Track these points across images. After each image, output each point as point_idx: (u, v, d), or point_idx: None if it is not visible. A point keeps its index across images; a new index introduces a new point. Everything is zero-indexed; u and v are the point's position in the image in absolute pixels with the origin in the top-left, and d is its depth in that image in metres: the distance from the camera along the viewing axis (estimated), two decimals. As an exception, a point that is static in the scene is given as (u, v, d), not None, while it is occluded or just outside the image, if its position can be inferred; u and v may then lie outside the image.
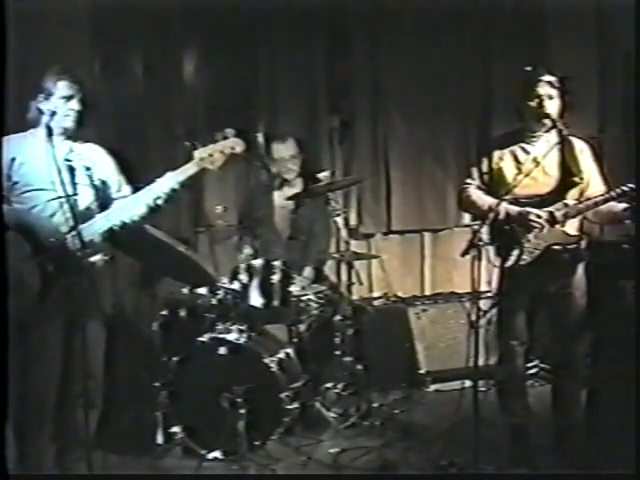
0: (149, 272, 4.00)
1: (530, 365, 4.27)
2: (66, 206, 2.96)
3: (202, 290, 3.90)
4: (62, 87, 3.04)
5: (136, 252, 3.36)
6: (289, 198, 4.33)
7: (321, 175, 4.34)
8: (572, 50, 4.89)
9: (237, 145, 3.09)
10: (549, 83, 3.24)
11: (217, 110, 4.83)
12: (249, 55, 4.90)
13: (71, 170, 2.99)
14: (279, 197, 4.47)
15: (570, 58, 4.81)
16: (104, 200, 3.17)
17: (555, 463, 3.36)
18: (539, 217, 3.20)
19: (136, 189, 3.18)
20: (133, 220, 3.08)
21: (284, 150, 4.40)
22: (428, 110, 5.14)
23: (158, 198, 3.06)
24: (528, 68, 3.33)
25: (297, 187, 4.45)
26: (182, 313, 3.96)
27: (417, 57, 5.02)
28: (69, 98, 3.04)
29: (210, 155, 3.05)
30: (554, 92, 3.25)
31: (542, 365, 4.43)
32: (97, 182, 3.13)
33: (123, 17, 4.53)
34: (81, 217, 2.98)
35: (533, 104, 3.24)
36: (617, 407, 3.46)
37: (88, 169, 3.07)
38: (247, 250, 4.25)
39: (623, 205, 3.15)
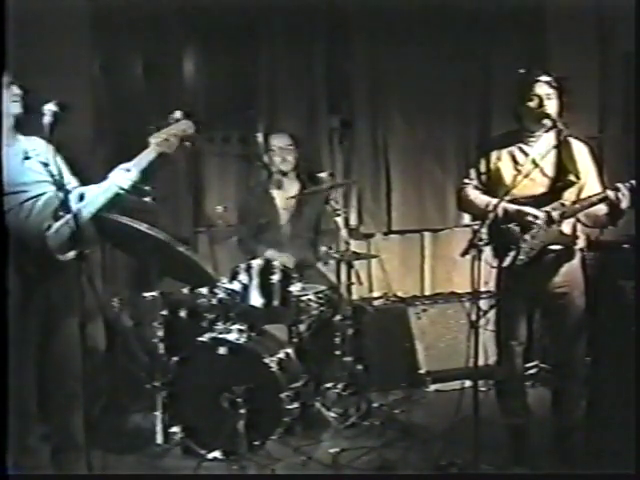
0: (149, 272, 3.99)
1: (530, 365, 4.27)
2: (38, 205, 2.95)
3: (202, 290, 3.91)
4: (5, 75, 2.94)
5: (136, 252, 3.35)
6: (290, 198, 4.34)
7: (321, 175, 4.35)
8: (572, 50, 4.89)
9: (188, 127, 3.11)
10: (547, 83, 3.24)
11: (217, 110, 4.84)
12: (249, 55, 4.90)
13: (34, 168, 2.96)
14: (279, 196, 4.48)
15: (570, 58, 4.81)
16: (65, 194, 3.03)
17: (555, 463, 3.36)
18: (536, 217, 3.21)
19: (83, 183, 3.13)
20: (99, 210, 3.00)
21: (279, 140, 4.45)
22: (428, 110, 5.14)
23: (122, 188, 3.00)
24: (522, 70, 3.34)
25: (295, 186, 4.48)
26: (182, 313, 3.96)
27: (417, 57, 5.02)
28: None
29: (166, 139, 3.05)
30: (552, 92, 3.25)
31: (542, 365, 4.43)
32: (57, 177, 2.99)
33: (123, 17, 4.54)
34: (53, 216, 2.95)
35: (532, 104, 3.24)
36: (617, 407, 3.46)
37: (46, 165, 2.99)
38: (269, 252, 4.25)
39: (605, 210, 3.16)
